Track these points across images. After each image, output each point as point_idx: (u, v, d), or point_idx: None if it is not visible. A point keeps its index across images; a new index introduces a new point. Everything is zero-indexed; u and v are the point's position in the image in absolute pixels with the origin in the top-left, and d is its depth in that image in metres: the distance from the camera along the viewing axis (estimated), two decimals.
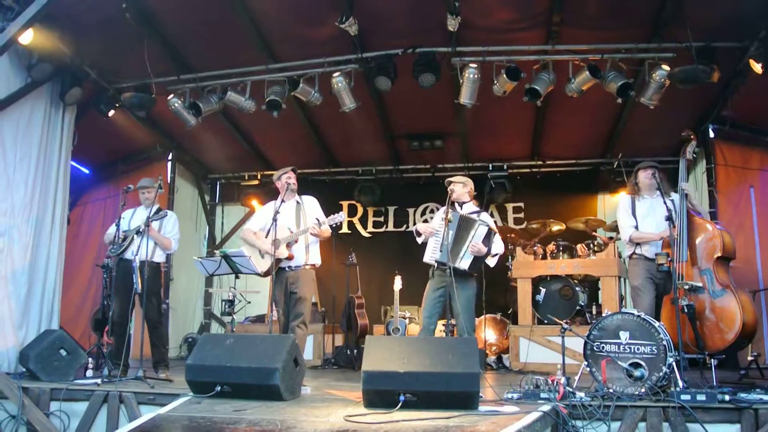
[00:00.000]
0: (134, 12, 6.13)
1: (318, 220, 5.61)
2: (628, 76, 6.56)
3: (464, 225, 5.53)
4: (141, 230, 5.81)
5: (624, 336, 4.47)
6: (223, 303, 6.13)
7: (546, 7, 6.28)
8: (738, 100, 7.28)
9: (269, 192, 9.20)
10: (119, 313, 5.82)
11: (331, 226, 5.74)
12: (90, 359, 5.66)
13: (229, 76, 7.36)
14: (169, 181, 9.20)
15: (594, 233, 8.02)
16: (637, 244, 5.33)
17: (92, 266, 7.95)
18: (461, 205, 5.79)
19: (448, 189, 5.75)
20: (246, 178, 10.29)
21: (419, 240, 5.81)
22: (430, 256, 5.61)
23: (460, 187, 5.81)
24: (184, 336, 9.14)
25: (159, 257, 6.11)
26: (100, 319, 6.08)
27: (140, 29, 6.35)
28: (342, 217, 5.67)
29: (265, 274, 5.67)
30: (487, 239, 5.52)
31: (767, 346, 7.08)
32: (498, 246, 5.73)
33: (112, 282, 5.78)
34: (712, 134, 8.11)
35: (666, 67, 6.39)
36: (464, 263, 5.46)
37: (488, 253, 5.58)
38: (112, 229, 6.08)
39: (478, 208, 5.90)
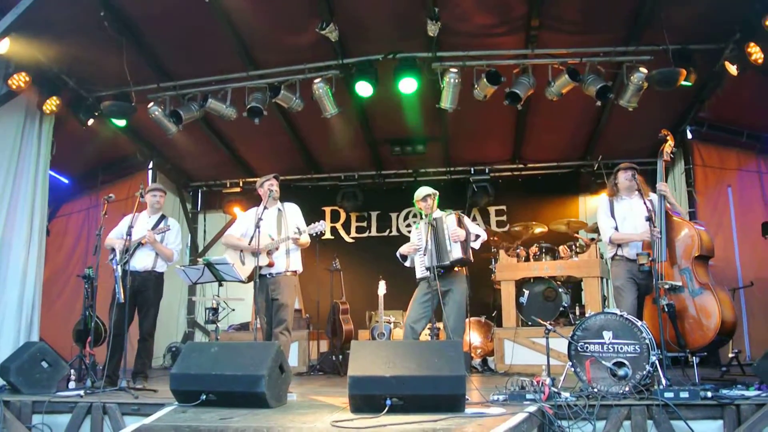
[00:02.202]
0: (112, 20, 6.11)
1: (299, 228, 5.61)
2: (606, 79, 6.65)
3: (438, 226, 5.71)
4: (141, 241, 5.81)
5: (607, 336, 4.51)
6: (207, 311, 6.09)
7: (524, 12, 6.35)
8: (714, 102, 7.42)
9: (251, 199, 9.17)
10: (116, 323, 5.72)
11: (311, 234, 5.75)
12: (72, 371, 5.59)
13: (209, 84, 7.34)
14: None
15: (576, 235, 8.09)
16: (618, 245, 5.38)
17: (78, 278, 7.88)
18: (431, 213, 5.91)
19: (426, 202, 5.85)
20: (228, 185, 10.26)
21: (406, 264, 5.94)
22: (420, 269, 5.73)
23: (429, 200, 5.92)
24: (168, 345, 9.05)
25: (160, 267, 6.05)
26: (81, 330, 6.00)
27: (119, 37, 6.32)
28: (323, 226, 5.68)
29: (248, 279, 5.67)
30: (460, 223, 5.69)
31: (747, 342, 7.20)
32: (474, 228, 5.91)
33: (93, 292, 5.70)
34: (689, 135, 8.26)
35: (644, 70, 6.48)
36: (455, 252, 5.60)
37: (468, 235, 5.70)
38: (114, 237, 6.01)
39: (443, 212, 5.99)
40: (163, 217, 6.19)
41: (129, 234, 5.72)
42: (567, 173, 9.66)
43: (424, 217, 5.81)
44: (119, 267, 5.55)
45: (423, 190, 5.95)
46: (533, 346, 6.97)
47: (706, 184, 8.13)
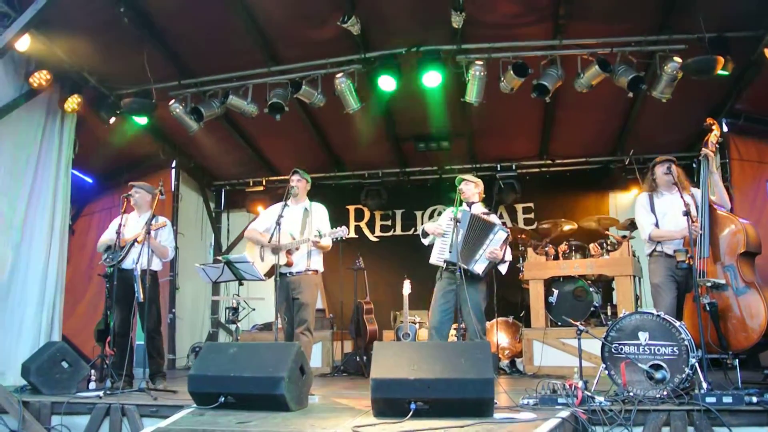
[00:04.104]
0: (132, 16, 6.05)
1: (319, 232, 5.42)
2: (638, 70, 6.37)
3: (479, 226, 5.34)
4: (139, 239, 5.67)
5: (643, 337, 4.30)
6: (227, 311, 5.97)
7: (552, 0, 6.11)
8: (752, 92, 7.11)
9: (275, 198, 9.10)
10: (120, 323, 5.68)
11: (333, 239, 5.55)
12: (93, 371, 5.51)
13: (230, 80, 7.24)
14: (173, 189, 9.09)
15: (607, 232, 7.82)
16: (658, 241, 5.11)
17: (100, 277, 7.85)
18: (470, 205, 5.60)
19: (459, 187, 5.55)
20: (251, 184, 10.17)
21: (425, 241, 5.60)
22: (438, 257, 5.41)
23: (472, 187, 5.63)
24: (192, 345, 8.99)
25: (156, 266, 5.95)
26: (102, 330, 5.92)
27: (139, 33, 6.27)
28: (344, 232, 5.44)
29: (267, 276, 5.55)
30: (505, 244, 5.35)
31: None
32: (509, 253, 5.56)
33: (113, 291, 5.61)
34: (725, 128, 7.91)
35: (678, 59, 6.19)
36: (479, 267, 5.28)
37: (503, 259, 5.40)
38: (106, 237, 5.93)
39: (487, 210, 5.71)
40: (154, 217, 6.06)
41: (118, 234, 5.68)
42: (596, 169, 9.35)
43: (462, 205, 5.45)
44: (137, 266, 5.45)
45: (460, 177, 5.66)
46: (563, 348, 6.74)
47: (743, 178, 7.80)
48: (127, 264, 5.71)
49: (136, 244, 5.71)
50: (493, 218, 5.54)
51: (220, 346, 5.09)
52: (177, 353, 8.91)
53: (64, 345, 5.52)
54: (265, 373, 4.19)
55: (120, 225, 5.70)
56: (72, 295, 7.37)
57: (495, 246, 5.28)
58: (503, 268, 5.55)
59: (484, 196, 5.82)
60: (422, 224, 9.75)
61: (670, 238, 5.02)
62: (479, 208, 5.64)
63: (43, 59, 6.22)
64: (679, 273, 4.88)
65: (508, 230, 5.46)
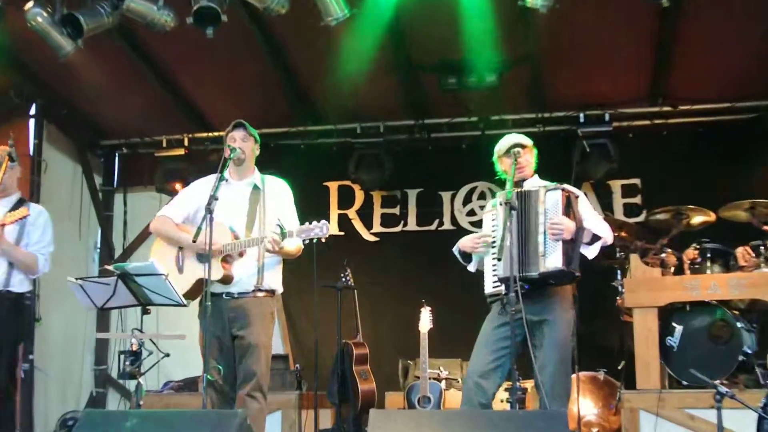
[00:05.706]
0: None
1: (281, 227, 5.39)
2: None
3: (524, 204, 5.44)
4: None
5: None
6: (122, 357, 5.93)
7: None
8: None
9: (203, 167, 9.06)
10: None
11: (304, 241, 5.55)
12: None
13: None
14: (31, 153, 9.10)
15: (766, 228, 7.79)
16: None
17: None
18: (522, 183, 5.70)
19: (513, 159, 5.58)
20: (164, 144, 10.19)
21: (471, 267, 5.79)
22: (492, 284, 5.51)
23: (528, 155, 5.73)
24: (62, 416, 9.01)
25: (20, 285, 6.06)
26: None
27: None
28: (325, 231, 5.43)
29: (189, 296, 5.55)
30: (568, 207, 5.39)
31: None
32: (594, 219, 5.65)
33: None
34: None
35: None
36: (551, 260, 5.31)
37: (581, 231, 5.41)
38: None
39: (542, 184, 5.72)
40: (21, 202, 6.16)
41: None
42: (748, 120, 9.32)
43: (507, 187, 5.48)
44: None
45: (509, 139, 5.76)
46: (691, 424, 6.72)
47: None
48: None
49: None
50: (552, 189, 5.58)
51: (110, 417, 5.08)
52: (36, 427, 8.90)
53: None
54: None
55: None
56: None
57: (552, 215, 5.35)
58: (593, 251, 5.58)
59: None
60: (452, 214, 9.89)
61: None
62: (536, 182, 5.75)
63: None
64: None
65: (557, 185, 5.49)
